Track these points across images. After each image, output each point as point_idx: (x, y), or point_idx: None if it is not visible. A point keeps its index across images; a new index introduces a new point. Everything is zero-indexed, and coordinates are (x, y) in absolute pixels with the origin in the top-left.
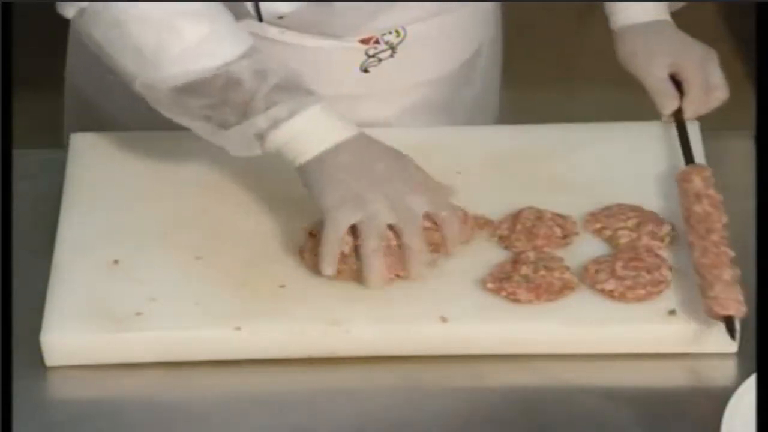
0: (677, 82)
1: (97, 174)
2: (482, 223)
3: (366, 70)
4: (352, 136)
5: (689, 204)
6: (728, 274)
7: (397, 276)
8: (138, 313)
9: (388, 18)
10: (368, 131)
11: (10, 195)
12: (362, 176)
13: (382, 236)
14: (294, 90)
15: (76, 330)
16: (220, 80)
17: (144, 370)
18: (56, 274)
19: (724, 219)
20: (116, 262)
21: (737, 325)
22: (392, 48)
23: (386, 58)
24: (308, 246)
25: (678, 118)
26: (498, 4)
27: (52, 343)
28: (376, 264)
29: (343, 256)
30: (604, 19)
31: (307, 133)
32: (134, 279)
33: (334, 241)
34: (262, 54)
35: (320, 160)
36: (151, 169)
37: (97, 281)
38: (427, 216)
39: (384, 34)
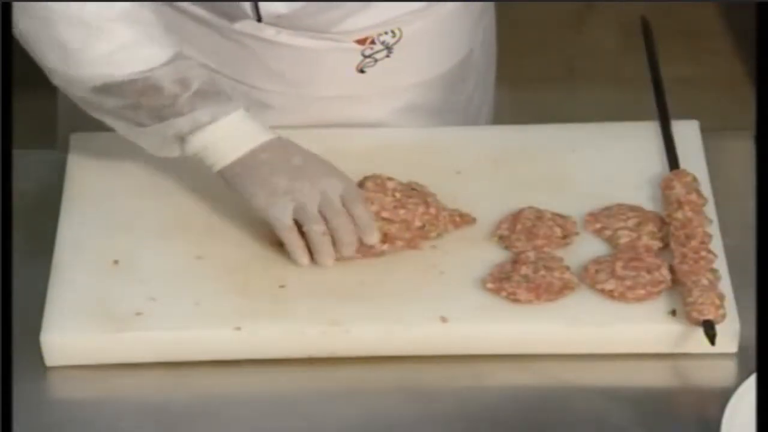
0: None
1: (97, 174)
2: (459, 221)
3: (362, 71)
4: (269, 140)
5: (671, 211)
6: (707, 279)
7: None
8: (138, 313)
9: (377, 13)
10: (368, 130)
11: (10, 195)
12: (283, 170)
13: (316, 220)
14: (215, 95)
15: (76, 330)
16: (138, 84)
17: (144, 370)
18: (56, 274)
19: (707, 223)
20: (116, 262)
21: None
22: (388, 48)
23: (382, 59)
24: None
25: (664, 123)
26: (489, 5)
27: (52, 343)
28: (325, 247)
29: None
30: (604, 19)
31: (228, 138)
32: (134, 279)
33: (291, 236)
34: (186, 61)
35: (241, 162)
36: (152, 169)
37: (97, 281)
38: (383, 208)
39: (380, 35)
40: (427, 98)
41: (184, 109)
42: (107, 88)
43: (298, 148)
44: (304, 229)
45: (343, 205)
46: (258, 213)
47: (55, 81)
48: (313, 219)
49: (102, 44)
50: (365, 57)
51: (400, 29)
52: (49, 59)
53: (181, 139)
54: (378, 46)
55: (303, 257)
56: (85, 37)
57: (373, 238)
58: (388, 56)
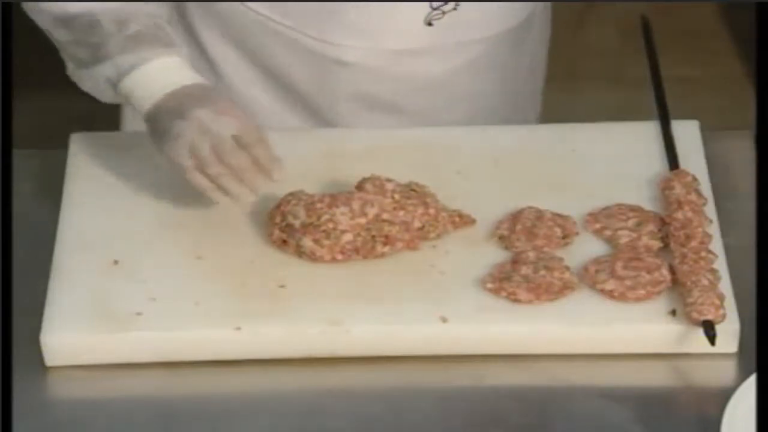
0: None
1: (97, 174)
2: (458, 221)
3: (430, 24)
4: (182, 86)
5: (671, 211)
6: (706, 279)
7: None
8: (138, 313)
9: None
10: (369, 131)
11: (10, 195)
12: (181, 115)
13: (208, 162)
14: (149, 42)
15: (76, 330)
16: (84, 19)
17: (144, 370)
18: (56, 274)
19: (707, 223)
20: (116, 262)
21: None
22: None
23: (450, 11)
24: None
25: (664, 123)
26: None
27: (52, 343)
28: (229, 186)
29: (292, 230)
30: (604, 19)
31: (147, 85)
32: (134, 279)
33: (194, 176)
34: (138, 5)
35: (155, 109)
36: (152, 169)
37: (97, 281)
38: (382, 209)
39: None
40: (491, 56)
41: (113, 52)
42: (62, 20)
43: (211, 96)
44: (205, 173)
45: (242, 146)
46: (167, 161)
47: (26, 7)
48: (205, 162)
49: None
50: (433, 9)
51: None
52: None
53: (113, 84)
54: None
55: (215, 194)
56: None
57: (278, 174)
58: (455, 9)
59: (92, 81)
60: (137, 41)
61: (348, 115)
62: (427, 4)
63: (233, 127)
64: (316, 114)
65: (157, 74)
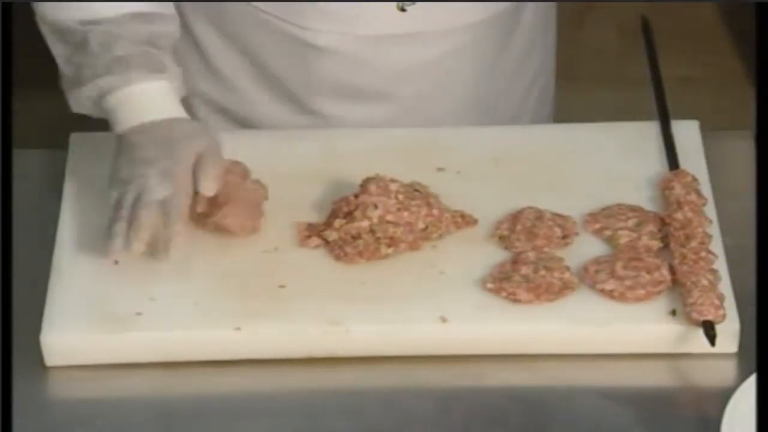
0: None
1: (97, 174)
2: (461, 222)
3: (403, 9)
4: (152, 120)
5: (671, 211)
6: (706, 279)
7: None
8: (138, 313)
9: None
10: (369, 131)
11: (10, 195)
12: (132, 160)
13: (118, 216)
14: (135, 65)
15: (76, 330)
16: (77, 36)
17: (144, 370)
18: (56, 274)
19: (707, 224)
20: (116, 262)
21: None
22: None
23: None
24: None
25: (664, 123)
26: None
27: (52, 344)
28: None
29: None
30: (604, 19)
31: (128, 108)
32: (134, 279)
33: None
34: (130, 24)
35: (126, 134)
36: None
37: (97, 281)
38: (386, 211)
39: None
40: (476, 44)
41: (97, 72)
42: (59, 32)
43: (171, 137)
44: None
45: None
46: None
47: (37, 18)
48: (121, 205)
49: None
50: None
51: None
52: None
53: (95, 104)
54: None
55: (111, 233)
56: None
57: (168, 254)
58: None
59: (75, 97)
60: (122, 64)
61: (331, 105)
62: None
63: (160, 194)
64: (300, 102)
65: (138, 98)
